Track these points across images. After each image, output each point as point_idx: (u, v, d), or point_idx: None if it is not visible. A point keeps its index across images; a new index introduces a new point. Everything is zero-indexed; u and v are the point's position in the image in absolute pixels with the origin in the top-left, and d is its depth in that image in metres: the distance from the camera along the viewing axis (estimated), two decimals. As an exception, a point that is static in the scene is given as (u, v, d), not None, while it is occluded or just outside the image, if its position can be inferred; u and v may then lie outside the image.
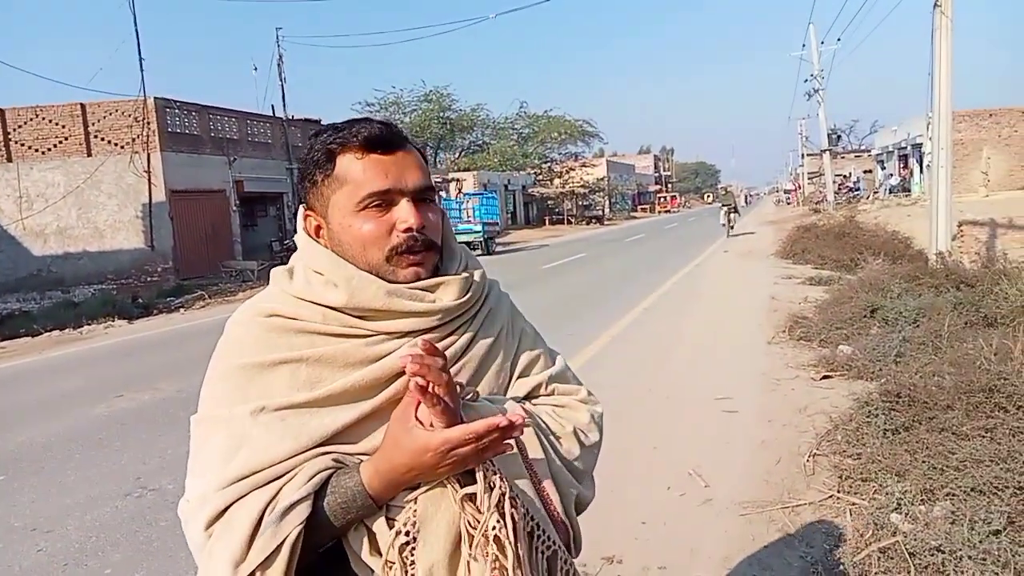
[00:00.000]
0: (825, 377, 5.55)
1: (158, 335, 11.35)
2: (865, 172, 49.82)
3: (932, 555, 2.65)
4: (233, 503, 0.93)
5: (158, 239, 19.32)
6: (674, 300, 10.74)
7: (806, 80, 32.48)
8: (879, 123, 58.65)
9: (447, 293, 1.05)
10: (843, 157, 55.57)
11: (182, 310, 14.92)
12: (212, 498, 0.94)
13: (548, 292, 12.29)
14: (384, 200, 1.02)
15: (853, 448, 3.86)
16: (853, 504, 3.30)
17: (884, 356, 5.43)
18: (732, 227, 24.46)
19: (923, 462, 3.37)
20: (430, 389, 0.88)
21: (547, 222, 46.50)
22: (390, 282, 1.02)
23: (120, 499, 4.10)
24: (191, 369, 7.75)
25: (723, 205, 25.39)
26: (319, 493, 0.93)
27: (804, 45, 32.86)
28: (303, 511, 0.91)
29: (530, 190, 47.99)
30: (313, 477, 0.93)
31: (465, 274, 1.08)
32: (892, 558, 2.73)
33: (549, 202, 49.74)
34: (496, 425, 0.88)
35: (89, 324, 13.05)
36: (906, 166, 37.81)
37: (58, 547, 3.56)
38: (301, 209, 1.11)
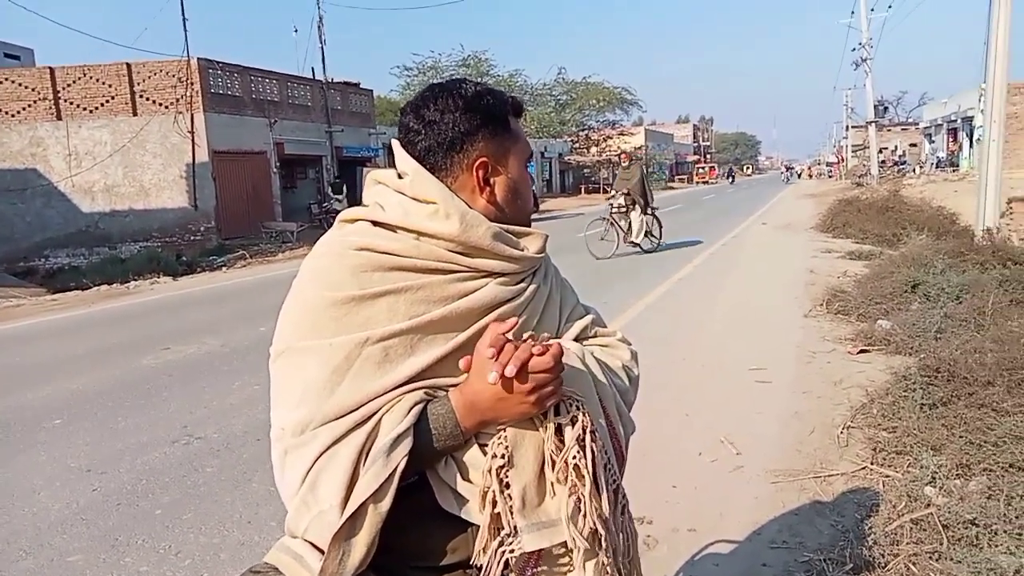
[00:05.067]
0: (862, 351, 5.51)
1: (202, 292, 11.64)
2: (911, 146, 48.46)
3: (966, 528, 2.65)
4: (341, 437, 0.96)
5: (201, 199, 19.67)
6: (709, 271, 10.65)
7: (854, 49, 31.74)
8: (928, 95, 56.83)
9: (533, 244, 1.13)
10: (889, 130, 54.03)
11: (224, 268, 15.27)
12: (320, 432, 0.96)
13: (582, 260, 12.26)
14: None
15: (888, 421, 3.84)
16: (886, 476, 3.31)
17: (924, 331, 5.36)
18: (633, 238, 12.70)
19: (960, 437, 3.35)
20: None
21: (583, 190, 46.13)
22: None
23: (168, 445, 4.28)
24: (234, 325, 7.97)
25: (616, 193, 12.98)
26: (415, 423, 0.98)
27: (853, 12, 31.93)
28: (408, 443, 0.95)
29: (567, 158, 47.54)
30: (412, 409, 0.97)
31: (543, 232, 1.16)
32: (925, 529, 2.73)
33: (585, 170, 49.24)
34: (559, 351, 0.96)
35: (135, 280, 13.47)
36: (955, 140, 36.71)
37: (112, 487, 3.74)
38: (396, 144, 1.11)
